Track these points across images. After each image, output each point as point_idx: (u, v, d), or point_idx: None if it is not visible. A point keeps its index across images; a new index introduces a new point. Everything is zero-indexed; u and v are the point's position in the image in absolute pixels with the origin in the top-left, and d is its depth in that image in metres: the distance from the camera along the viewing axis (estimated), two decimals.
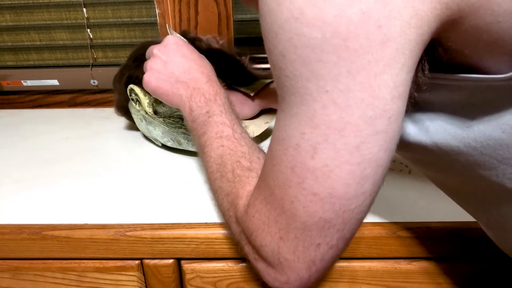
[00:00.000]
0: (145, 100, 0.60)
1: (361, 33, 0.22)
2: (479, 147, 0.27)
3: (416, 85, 0.27)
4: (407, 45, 0.23)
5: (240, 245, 0.36)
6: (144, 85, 0.50)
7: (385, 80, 0.24)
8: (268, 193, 0.30)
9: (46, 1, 0.81)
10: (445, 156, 0.29)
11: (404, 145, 0.31)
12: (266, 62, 0.84)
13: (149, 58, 0.52)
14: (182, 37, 0.55)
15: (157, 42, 0.53)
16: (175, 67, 0.48)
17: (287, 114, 0.27)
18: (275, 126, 0.29)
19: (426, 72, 0.27)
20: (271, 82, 0.64)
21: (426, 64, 0.26)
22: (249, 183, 0.36)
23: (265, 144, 0.59)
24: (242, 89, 0.64)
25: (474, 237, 0.44)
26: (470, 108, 0.27)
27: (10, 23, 0.84)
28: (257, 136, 0.61)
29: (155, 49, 0.50)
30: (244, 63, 0.67)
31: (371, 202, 0.28)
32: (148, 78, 0.49)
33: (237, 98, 0.63)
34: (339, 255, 0.30)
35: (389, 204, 0.48)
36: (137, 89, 0.60)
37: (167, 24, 0.61)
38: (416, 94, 0.28)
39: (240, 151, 0.40)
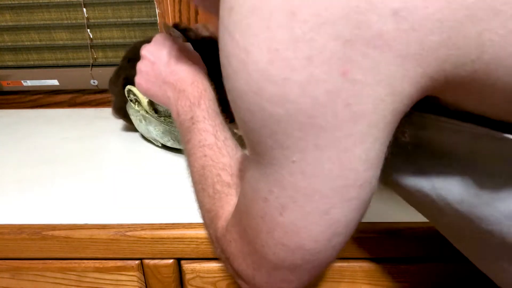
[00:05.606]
0: (144, 100, 0.60)
1: (328, 111, 0.20)
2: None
3: (398, 139, 0.25)
4: (382, 119, 0.21)
5: (220, 260, 0.36)
6: (136, 87, 0.50)
7: (357, 154, 0.22)
8: (241, 228, 0.30)
9: (46, 1, 0.81)
10: (444, 203, 0.27)
11: (402, 189, 0.29)
12: None
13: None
14: (175, 30, 0.55)
15: (149, 41, 0.52)
16: (162, 67, 0.46)
17: (254, 169, 0.26)
18: (248, 166, 0.28)
19: (406, 136, 0.25)
20: None
21: (406, 126, 0.25)
22: (228, 203, 0.35)
23: None
24: None
25: None
26: (472, 156, 0.24)
27: (10, 23, 0.84)
28: None
29: (143, 50, 0.49)
30: None
31: (344, 246, 0.28)
32: (138, 80, 0.49)
33: None
34: (313, 280, 0.30)
35: (389, 204, 0.47)
36: (135, 90, 0.60)
37: (163, 22, 0.60)
38: (408, 139, 0.26)
39: (221, 163, 0.39)
